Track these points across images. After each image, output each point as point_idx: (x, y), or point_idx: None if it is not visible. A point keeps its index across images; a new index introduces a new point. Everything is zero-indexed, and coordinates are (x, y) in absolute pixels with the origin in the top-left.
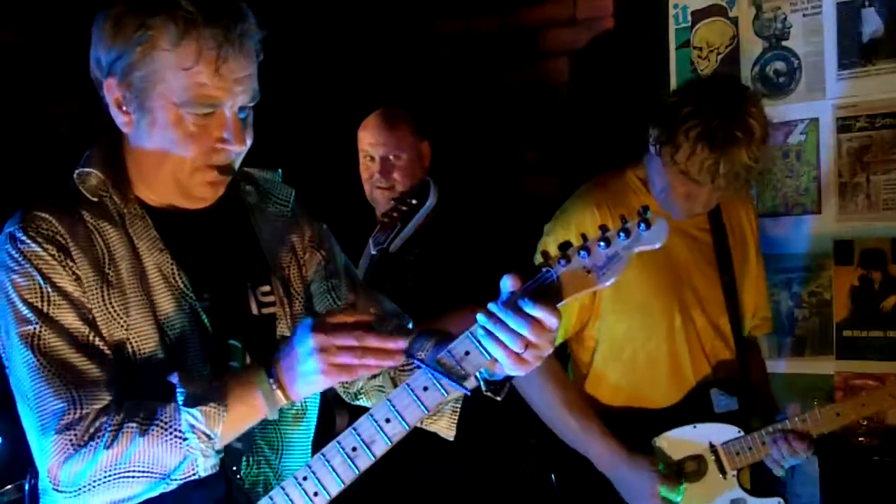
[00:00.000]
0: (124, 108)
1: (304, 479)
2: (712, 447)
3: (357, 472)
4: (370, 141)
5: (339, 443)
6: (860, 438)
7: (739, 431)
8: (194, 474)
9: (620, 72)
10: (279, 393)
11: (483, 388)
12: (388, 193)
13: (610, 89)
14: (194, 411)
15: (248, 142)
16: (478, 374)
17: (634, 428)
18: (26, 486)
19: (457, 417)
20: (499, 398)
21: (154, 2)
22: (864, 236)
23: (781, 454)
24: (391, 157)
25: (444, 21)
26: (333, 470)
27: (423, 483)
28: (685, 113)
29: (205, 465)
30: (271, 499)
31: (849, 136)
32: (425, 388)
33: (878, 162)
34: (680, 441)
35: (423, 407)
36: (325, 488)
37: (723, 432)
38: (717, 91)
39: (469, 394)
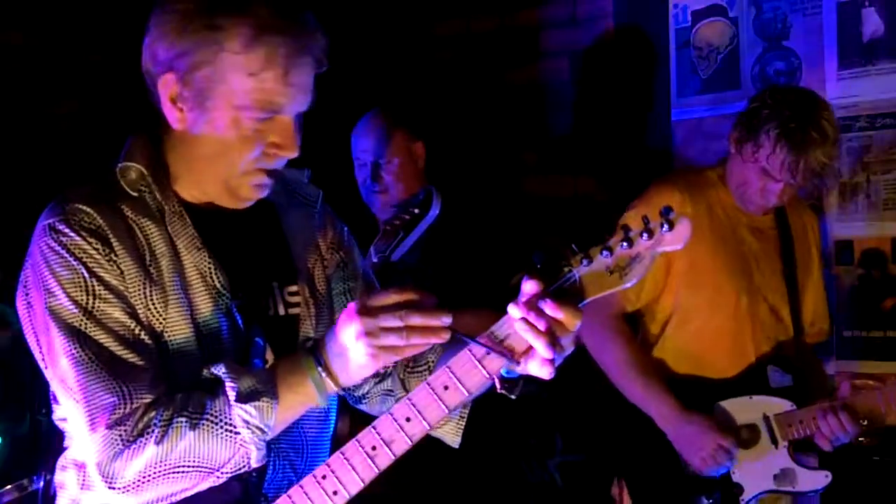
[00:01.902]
0: (179, 105)
1: (324, 477)
2: (766, 418)
3: (377, 470)
4: (361, 147)
5: (358, 441)
6: (860, 438)
7: (792, 405)
8: (245, 466)
9: (620, 72)
10: (329, 380)
11: (497, 386)
12: (382, 197)
13: (610, 89)
14: (248, 407)
15: (299, 145)
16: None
17: (695, 395)
18: (41, 483)
19: (463, 424)
20: (513, 396)
21: (226, 2)
22: (864, 236)
23: (831, 429)
24: (381, 162)
25: (443, 21)
26: (353, 469)
27: (422, 483)
28: (766, 115)
29: (257, 457)
30: (290, 497)
31: (849, 136)
32: (446, 388)
33: (878, 162)
34: (736, 409)
35: (444, 406)
36: (344, 487)
37: (777, 405)
38: (794, 98)
39: (518, 365)
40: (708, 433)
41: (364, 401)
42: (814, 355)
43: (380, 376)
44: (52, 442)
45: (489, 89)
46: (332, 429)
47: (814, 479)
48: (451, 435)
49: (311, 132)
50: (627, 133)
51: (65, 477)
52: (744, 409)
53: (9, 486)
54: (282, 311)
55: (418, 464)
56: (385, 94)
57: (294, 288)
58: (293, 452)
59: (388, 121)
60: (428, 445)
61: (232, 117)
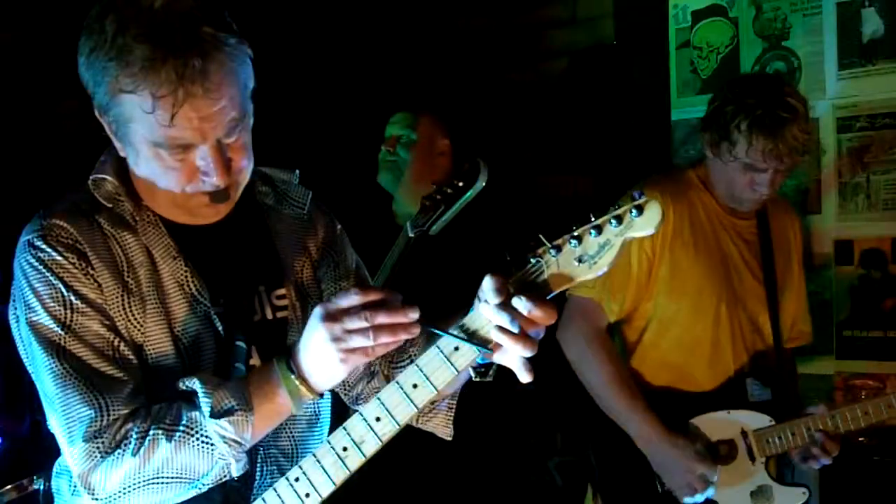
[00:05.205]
0: (115, 136)
1: (297, 480)
2: (744, 433)
3: (349, 471)
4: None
5: (329, 442)
6: (860, 438)
7: (771, 421)
8: (227, 476)
9: (620, 72)
10: (303, 388)
11: (472, 375)
12: (390, 168)
13: (610, 89)
14: (222, 422)
15: (243, 164)
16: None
17: (672, 408)
18: (40, 488)
19: (452, 415)
20: (489, 379)
21: (111, 44)
22: (864, 236)
23: (813, 455)
24: (401, 136)
25: (444, 21)
26: (325, 470)
27: (423, 483)
28: (731, 111)
29: (238, 468)
30: (264, 500)
31: (849, 136)
32: (415, 386)
33: (878, 162)
34: (714, 424)
35: (412, 404)
36: (316, 489)
37: (755, 420)
38: (752, 85)
39: (491, 352)
40: (688, 460)
41: (360, 401)
42: (792, 367)
43: (371, 375)
44: (51, 443)
45: (489, 89)
46: (324, 431)
47: (791, 496)
48: (442, 427)
49: (316, 131)
50: (627, 133)
51: (59, 482)
52: (722, 424)
53: (9, 486)
54: (270, 316)
55: (420, 464)
56: (387, 95)
57: (282, 291)
58: (282, 456)
59: (421, 108)
60: (428, 446)
61: (153, 152)
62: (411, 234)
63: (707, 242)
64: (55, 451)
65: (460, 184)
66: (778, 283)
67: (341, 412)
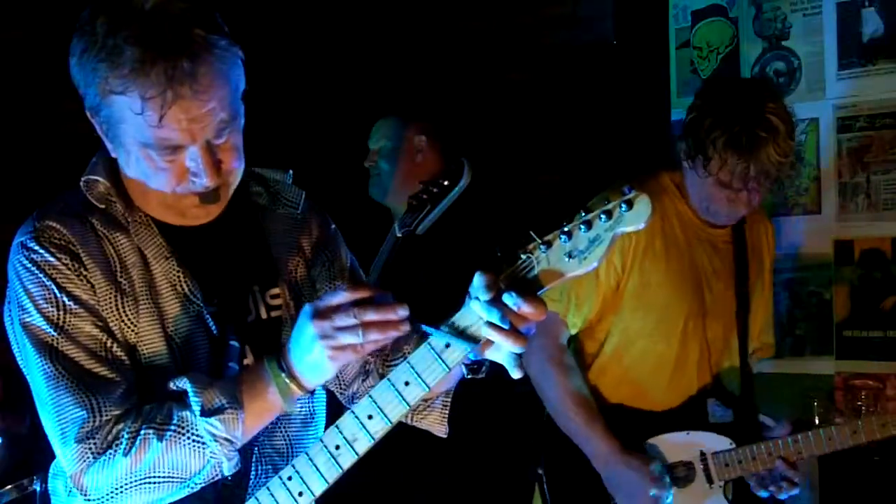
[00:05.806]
0: (106, 136)
1: (289, 478)
2: (703, 455)
3: (341, 470)
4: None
5: (322, 441)
6: None
7: (731, 443)
8: (218, 475)
9: (620, 72)
10: (293, 385)
11: (464, 372)
12: (376, 180)
13: (610, 89)
14: (212, 420)
15: (233, 165)
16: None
17: (629, 426)
18: (37, 489)
19: (447, 413)
20: (481, 376)
21: (102, 45)
22: (864, 236)
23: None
24: (378, 147)
25: (444, 21)
26: (317, 469)
27: (422, 483)
28: (708, 124)
29: (229, 466)
30: (257, 499)
31: (849, 136)
32: (406, 384)
33: (878, 162)
34: (672, 445)
35: (404, 402)
36: (309, 488)
37: (715, 442)
38: (734, 95)
39: (479, 350)
40: (642, 481)
41: (356, 400)
42: (752, 385)
43: (366, 374)
44: (50, 444)
45: (489, 89)
46: (319, 430)
47: None
48: (437, 425)
49: (319, 130)
50: (627, 133)
51: (55, 484)
52: (680, 445)
53: (9, 486)
54: (264, 315)
55: (419, 464)
56: (384, 94)
57: (276, 291)
58: (277, 456)
59: (389, 113)
60: (424, 445)
61: (143, 153)
62: (399, 234)
63: (679, 254)
64: (54, 452)
65: (445, 183)
66: (750, 295)
67: (338, 412)
